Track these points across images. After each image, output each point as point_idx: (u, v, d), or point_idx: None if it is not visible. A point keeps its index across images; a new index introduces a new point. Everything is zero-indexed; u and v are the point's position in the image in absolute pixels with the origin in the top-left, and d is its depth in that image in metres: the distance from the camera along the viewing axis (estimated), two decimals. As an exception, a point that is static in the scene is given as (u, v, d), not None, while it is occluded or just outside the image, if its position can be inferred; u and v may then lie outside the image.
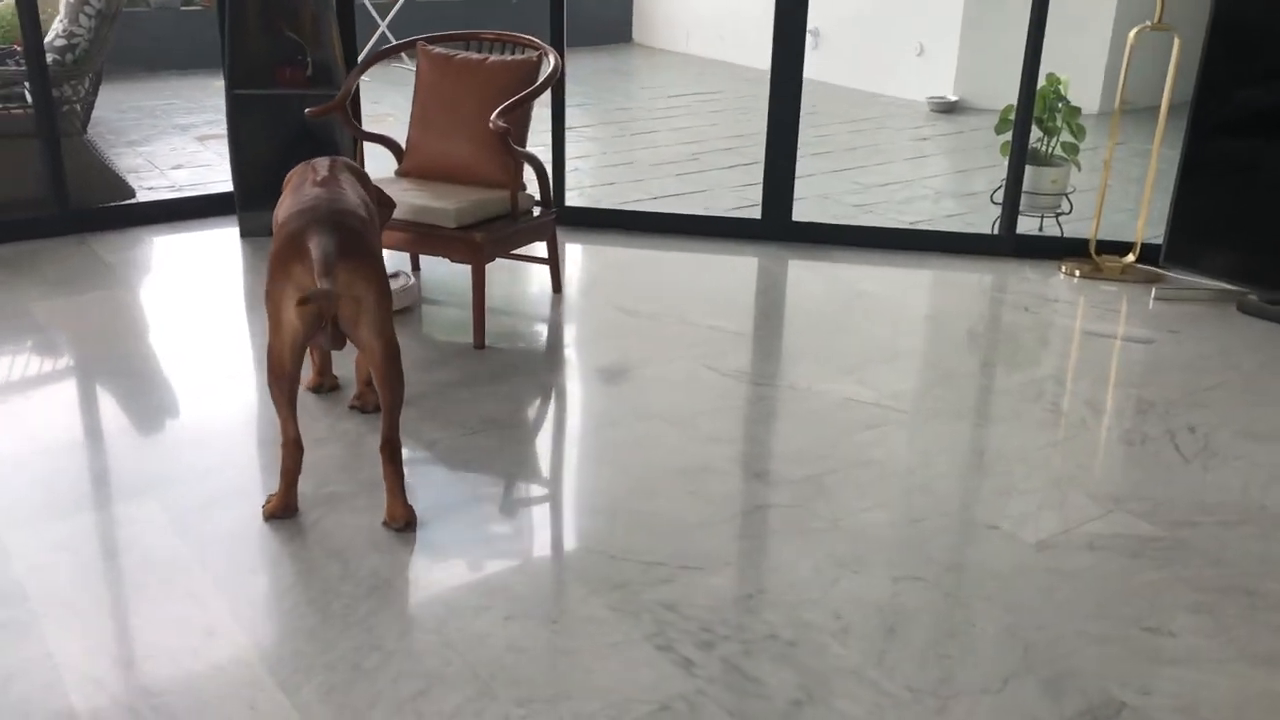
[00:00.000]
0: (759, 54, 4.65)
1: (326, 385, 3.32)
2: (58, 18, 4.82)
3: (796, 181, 4.86)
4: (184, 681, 2.13)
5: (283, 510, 2.68)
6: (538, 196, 4.00)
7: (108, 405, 3.32)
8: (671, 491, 2.87)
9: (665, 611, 2.37)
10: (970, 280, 4.54)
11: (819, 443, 3.15)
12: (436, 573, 2.50)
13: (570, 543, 2.63)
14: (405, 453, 2.78)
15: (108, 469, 2.92)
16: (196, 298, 4.12)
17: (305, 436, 2.70)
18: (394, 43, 4.33)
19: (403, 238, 3.69)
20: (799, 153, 4.82)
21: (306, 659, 2.20)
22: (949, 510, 2.81)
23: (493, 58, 4.02)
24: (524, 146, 3.90)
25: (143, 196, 5.36)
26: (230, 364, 3.57)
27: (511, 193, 3.74)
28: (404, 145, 4.07)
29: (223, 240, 4.75)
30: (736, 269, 4.62)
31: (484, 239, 3.58)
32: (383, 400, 2.61)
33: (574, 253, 4.75)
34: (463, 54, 4.04)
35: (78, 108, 4.83)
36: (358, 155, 4.11)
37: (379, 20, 8.92)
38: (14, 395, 3.34)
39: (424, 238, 3.65)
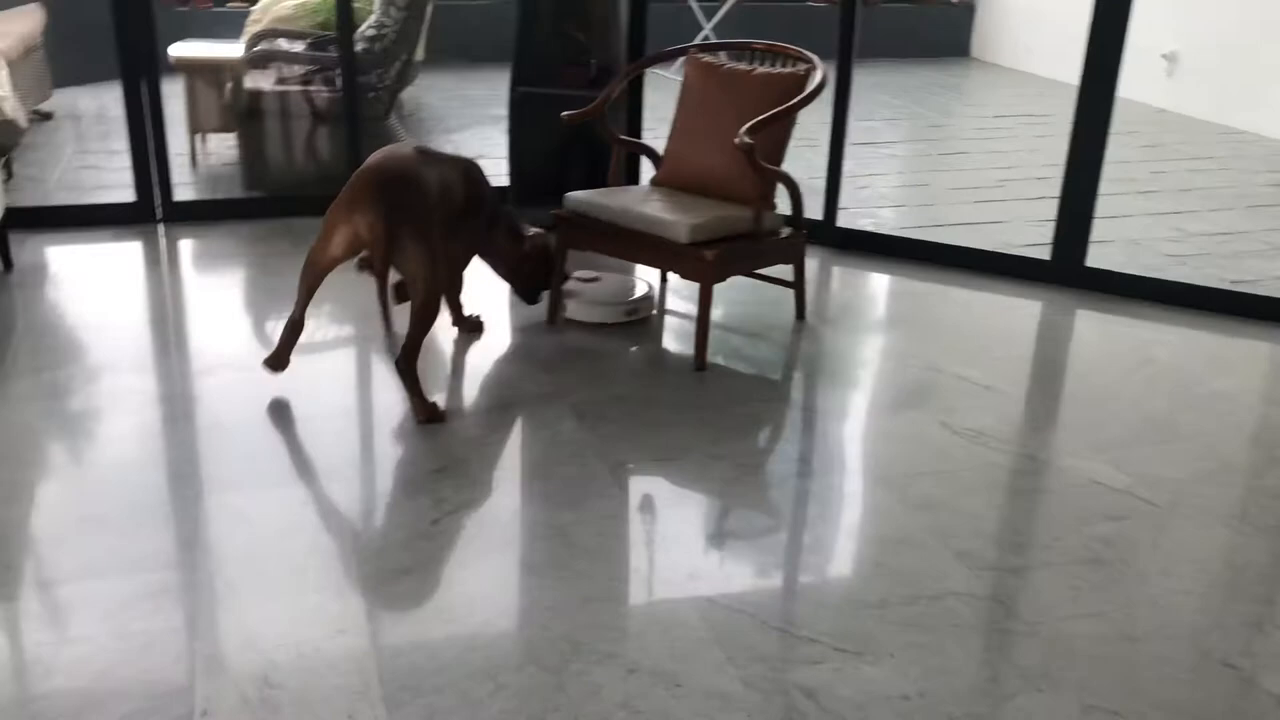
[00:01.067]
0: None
1: (465, 326, 3.75)
2: (373, 9, 5.12)
3: (1107, 222, 4.35)
4: (298, 676, 2.13)
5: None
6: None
7: (340, 383, 3.45)
8: (855, 559, 2.61)
9: (803, 698, 2.13)
10: (1290, 356, 3.88)
11: (1044, 528, 2.77)
12: (575, 607, 2.37)
13: (725, 600, 2.43)
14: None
15: (318, 446, 3.02)
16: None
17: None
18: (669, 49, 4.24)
19: (633, 249, 3.60)
20: (1119, 190, 4.31)
21: (419, 675, 2.15)
22: (1178, 634, 2.36)
23: (760, 69, 3.85)
24: (779, 163, 3.71)
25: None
26: (476, 353, 3.63)
27: (755, 211, 3.56)
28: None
29: (495, 231, 4.87)
30: (1011, 314, 4.19)
31: (714, 257, 3.42)
32: (409, 327, 3.10)
33: (836, 277, 4.50)
34: (730, 64, 3.89)
35: (383, 94, 5.11)
36: (615, 161, 4.05)
37: (704, 23, 8.94)
38: (260, 364, 3.54)
39: (655, 250, 3.54)
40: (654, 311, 3.99)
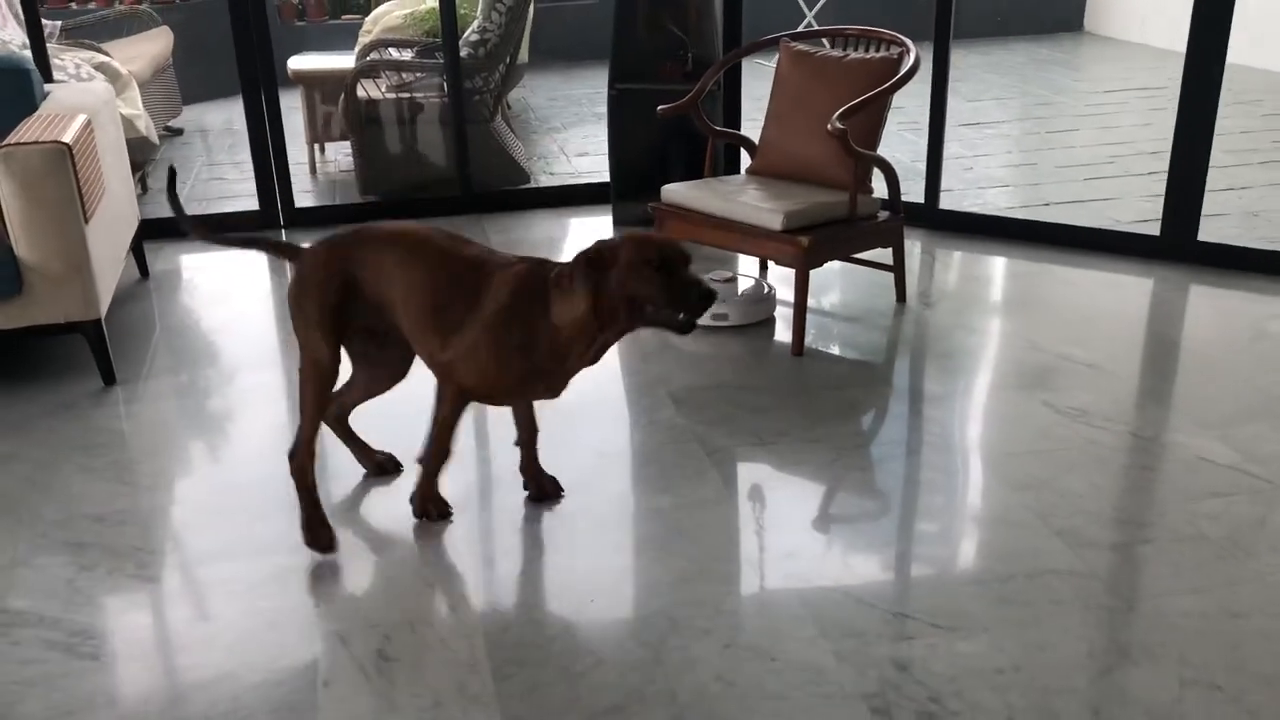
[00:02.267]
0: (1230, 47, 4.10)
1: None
2: (477, 14, 5.28)
3: (1225, 195, 4.24)
4: (413, 650, 2.26)
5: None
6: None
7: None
8: (953, 538, 2.63)
9: (896, 671, 2.17)
10: None
11: (1146, 505, 2.74)
12: (672, 586, 2.45)
13: (819, 577, 2.48)
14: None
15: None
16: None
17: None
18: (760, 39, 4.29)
19: (731, 238, 3.65)
20: (1238, 162, 4.18)
21: (524, 650, 2.25)
22: (1285, 610, 2.33)
23: (853, 55, 3.86)
24: (874, 148, 3.72)
25: (545, 181, 5.76)
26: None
27: (850, 195, 3.58)
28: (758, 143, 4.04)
29: (598, 228, 4.98)
30: (1119, 291, 4.12)
31: (809, 243, 3.45)
32: None
33: (939, 259, 4.48)
34: (823, 51, 3.92)
35: (487, 97, 5.27)
36: (710, 152, 4.11)
37: (806, 10, 8.92)
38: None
39: (751, 238, 3.59)
40: (765, 317, 3.86)
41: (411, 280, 2.51)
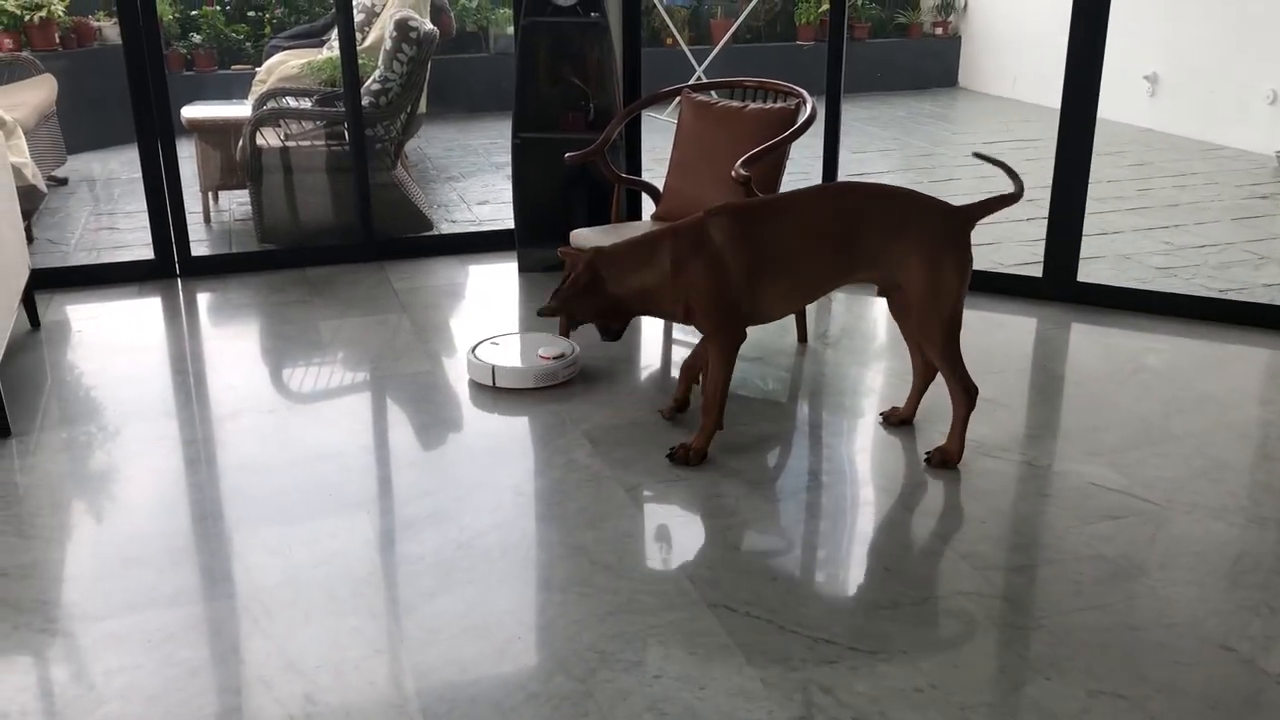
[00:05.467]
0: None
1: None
2: (377, 64, 5.30)
3: (1098, 239, 4.49)
4: (340, 694, 2.24)
5: None
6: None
7: (358, 421, 3.57)
8: (865, 565, 2.72)
9: (820, 693, 2.23)
10: (1278, 360, 4.00)
11: (1045, 530, 2.88)
12: (599, 620, 2.48)
13: (741, 607, 2.53)
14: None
15: (340, 482, 3.14)
16: (468, 327, 4.37)
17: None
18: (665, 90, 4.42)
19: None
20: (1108, 209, 4.44)
21: (454, 689, 2.25)
22: (1178, 621, 2.46)
23: (752, 105, 4.00)
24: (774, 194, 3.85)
25: (447, 229, 5.78)
26: (485, 393, 3.75)
27: (754, 240, 3.70)
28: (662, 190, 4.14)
29: (503, 274, 5.02)
30: (1007, 329, 4.32)
31: (717, 286, 3.55)
32: None
33: (836, 302, 4.63)
34: (723, 101, 4.05)
35: (389, 146, 5.28)
36: (616, 198, 4.21)
37: (695, 65, 9.15)
38: (280, 407, 3.67)
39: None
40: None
41: None
